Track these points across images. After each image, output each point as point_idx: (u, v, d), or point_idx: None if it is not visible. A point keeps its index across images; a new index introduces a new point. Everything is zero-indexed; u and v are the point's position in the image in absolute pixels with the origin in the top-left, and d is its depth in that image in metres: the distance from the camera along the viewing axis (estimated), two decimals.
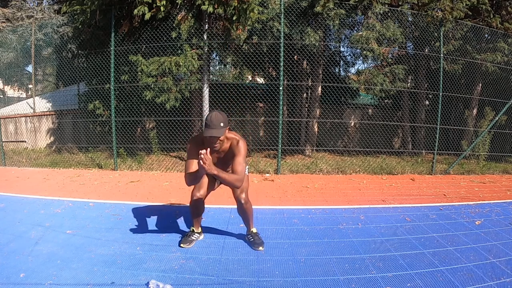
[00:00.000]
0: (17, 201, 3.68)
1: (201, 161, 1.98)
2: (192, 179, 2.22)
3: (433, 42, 6.05)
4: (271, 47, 5.98)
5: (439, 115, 5.56)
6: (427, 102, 7.68)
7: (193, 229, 2.60)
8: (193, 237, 2.56)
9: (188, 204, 2.49)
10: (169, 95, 5.50)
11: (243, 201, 2.40)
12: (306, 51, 6.13)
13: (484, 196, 4.14)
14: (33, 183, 4.63)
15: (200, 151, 1.99)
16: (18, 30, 7.71)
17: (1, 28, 8.14)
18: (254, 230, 2.62)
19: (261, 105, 7.72)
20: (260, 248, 2.48)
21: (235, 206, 3.50)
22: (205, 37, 5.56)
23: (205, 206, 2.55)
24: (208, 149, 2.06)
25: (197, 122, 6.39)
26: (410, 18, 6.17)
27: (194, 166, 2.23)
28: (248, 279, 2.06)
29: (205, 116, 2.15)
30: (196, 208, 2.46)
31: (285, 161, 5.98)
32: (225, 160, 2.37)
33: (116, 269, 2.14)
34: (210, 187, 2.48)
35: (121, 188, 4.35)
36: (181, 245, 2.50)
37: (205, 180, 2.41)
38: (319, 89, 7.03)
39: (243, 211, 2.46)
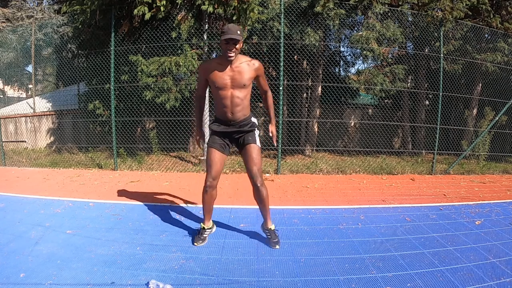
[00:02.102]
0: (17, 201, 3.68)
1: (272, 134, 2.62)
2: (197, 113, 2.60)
3: (433, 42, 6.05)
4: (271, 47, 5.98)
5: (439, 115, 5.56)
6: (427, 102, 7.68)
7: (203, 227, 2.62)
8: (205, 234, 2.61)
9: (201, 195, 2.51)
10: (169, 95, 5.50)
11: (259, 184, 2.42)
12: (306, 51, 6.13)
13: (484, 196, 4.14)
14: (33, 183, 4.63)
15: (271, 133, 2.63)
16: (18, 30, 7.72)
17: (1, 28, 8.14)
18: (272, 227, 2.60)
19: (261, 105, 7.72)
20: (277, 246, 2.50)
21: (235, 206, 3.51)
22: (205, 37, 5.56)
23: None
24: (273, 132, 2.63)
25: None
26: (410, 18, 6.16)
27: (202, 86, 2.52)
28: (248, 279, 2.06)
29: (223, 27, 2.34)
30: (209, 195, 2.48)
31: (285, 161, 5.98)
32: (239, 81, 2.35)
33: (116, 269, 2.14)
34: (221, 168, 2.50)
35: (121, 188, 4.35)
36: (195, 243, 2.53)
37: (217, 166, 2.44)
38: (319, 89, 7.03)
39: (260, 195, 2.46)
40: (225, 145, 2.51)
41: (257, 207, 2.57)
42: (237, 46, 2.23)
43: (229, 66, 2.32)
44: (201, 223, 2.65)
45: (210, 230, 2.66)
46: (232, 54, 2.23)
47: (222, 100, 2.39)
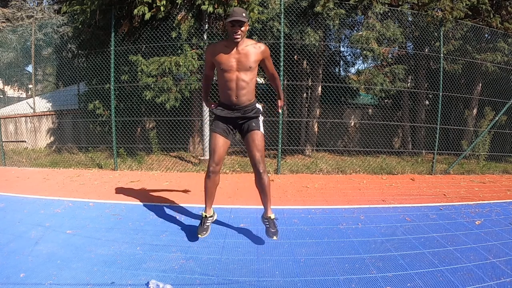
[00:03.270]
0: (17, 201, 3.68)
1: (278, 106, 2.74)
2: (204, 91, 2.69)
3: (433, 42, 6.05)
4: (271, 47, 5.97)
5: (439, 115, 5.55)
6: (427, 102, 7.68)
7: (205, 215, 2.56)
8: (207, 223, 2.56)
9: (204, 181, 2.49)
10: (169, 95, 5.50)
11: (261, 170, 2.41)
12: (306, 51, 6.13)
13: (484, 196, 4.14)
14: (33, 183, 4.62)
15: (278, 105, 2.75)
16: (18, 30, 7.71)
17: (1, 28, 8.14)
18: (272, 216, 2.53)
19: (261, 105, 7.71)
20: (274, 237, 2.45)
21: (235, 206, 3.51)
22: (205, 37, 5.56)
23: None
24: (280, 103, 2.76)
25: (197, 122, 6.39)
26: (410, 18, 6.16)
27: (209, 67, 2.52)
28: (248, 279, 2.06)
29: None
30: (211, 180, 2.45)
31: (285, 161, 5.98)
32: (245, 64, 2.36)
33: (116, 269, 2.15)
34: (224, 153, 2.50)
35: (121, 188, 4.35)
36: (199, 235, 2.50)
37: (220, 151, 2.43)
38: (319, 89, 7.03)
39: (262, 182, 2.44)
40: (228, 131, 2.51)
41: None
42: (243, 28, 2.26)
43: (235, 49, 2.33)
44: (202, 212, 2.58)
45: (212, 218, 2.62)
46: (238, 36, 2.26)
47: (227, 83, 2.39)
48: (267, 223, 2.54)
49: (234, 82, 2.37)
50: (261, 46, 2.39)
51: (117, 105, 5.81)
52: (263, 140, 2.47)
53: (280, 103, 2.80)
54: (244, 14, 2.24)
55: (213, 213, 2.67)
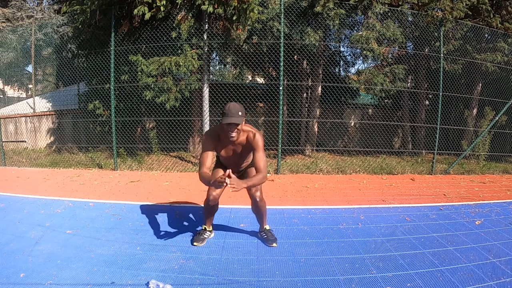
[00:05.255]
0: (17, 201, 3.68)
1: (226, 182, 1.94)
2: (206, 182, 2.18)
3: (433, 42, 6.05)
4: (271, 47, 5.98)
5: (439, 115, 5.55)
6: (427, 102, 7.67)
7: (205, 227, 2.64)
8: (205, 235, 2.62)
9: (203, 204, 2.55)
10: (169, 95, 5.50)
11: (258, 199, 2.45)
12: (306, 51, 6.13)
13: (484, 196, 4.14)
14: (33, 183, 4.63)
15: (223, 174, 2.00)
16: (18, 30, 7.71)
17: (1, 28, 8.13)
18: (267, 227, 2.67)
19: (261, 105, 7.71)
20: (274, 244, 2.53)
21: (235, 206, 3.52)
22: (205, 37, 5.56)
23: None
24: (229, 171, 1.99)
25: (197, 122, 6.39)
26: (410, 18, 6.16)
27: (209, 159, 2.30)
28: (248, 279, 2.06)
29: (224, 107, 2.21)
30: (210, 207, 2.51)
31: (285, 161, 5.98)
32: (241, 152, 2.40)
33: (116, 269, 2.15)
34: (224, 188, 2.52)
35: (121, 188, 4.35)
36: (194, 243, 2.54)
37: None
38: (319, 89, 7.03)
39: (258, 208, 2.52)
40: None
41: None
42: (239, 127, 2.20)
43: (231, 143, 2.34)
44: (203, 224, 2.67)
45: (210, 233, 2.68)
46: (234, 135, 2.22)
47: (226, 161, 2.49)
48: (264, 234, 2.63)
49: (233, 164, 2.47)
50: (255, 138, 2.28)
51: (117, 105, 5.81)
52: (265, 164, 2.34)
53: (233, 180, 1.98)
54: (240, 113, 2.15)
55: (212, 230, 2.72)
